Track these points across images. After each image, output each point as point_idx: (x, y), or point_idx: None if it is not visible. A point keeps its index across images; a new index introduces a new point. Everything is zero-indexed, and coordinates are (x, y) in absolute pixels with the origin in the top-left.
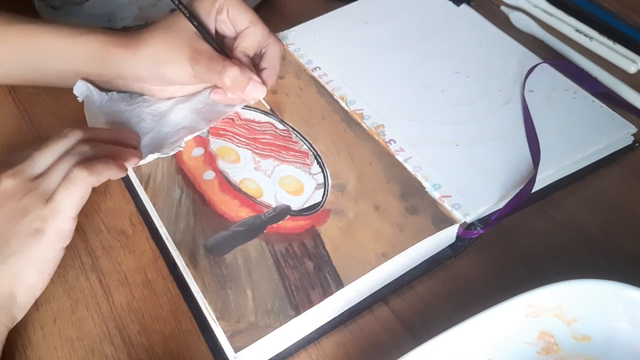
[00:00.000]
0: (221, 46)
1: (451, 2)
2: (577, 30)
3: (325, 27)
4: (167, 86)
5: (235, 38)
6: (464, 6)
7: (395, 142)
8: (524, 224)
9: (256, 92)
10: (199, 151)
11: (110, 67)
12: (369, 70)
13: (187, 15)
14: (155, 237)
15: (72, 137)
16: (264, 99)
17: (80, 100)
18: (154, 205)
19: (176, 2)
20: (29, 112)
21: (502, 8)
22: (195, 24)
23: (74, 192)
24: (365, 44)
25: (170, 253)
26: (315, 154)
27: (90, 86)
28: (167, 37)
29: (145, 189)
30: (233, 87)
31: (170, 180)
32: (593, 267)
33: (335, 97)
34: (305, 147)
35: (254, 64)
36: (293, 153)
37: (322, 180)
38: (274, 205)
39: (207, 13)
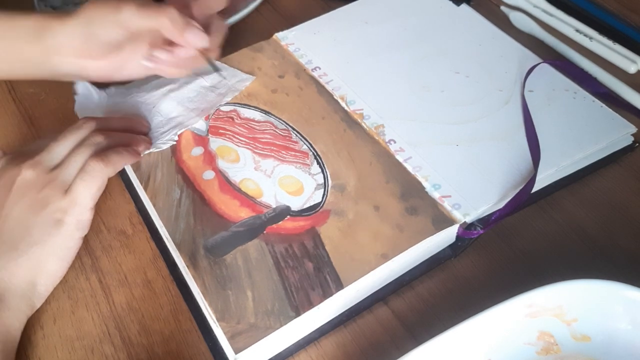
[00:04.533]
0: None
1: (451, 2)
2: (577, 30)
3: (325, 27)
4: (105, 56)
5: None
6: (463, 6)
7: (395, 142)
8: (524, 224)
9: (196, 38)
10: (198, 151)
11: (46, 42)
12: (369, 70)
13: None
14: (155, 237)
15: (86, 128)
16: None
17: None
18: (154, 205)
19: None
20: (29, 112)
21: (502, 8)
22: None
23: (91, 183)
24: (366, 44)
25: (170, 253)
26: (315, 154)
27: (89, 85)
28: (99, 2)
29: (145, 189)
30: (172, 29)
31: (170, 180)
32: (593, 267)
33: (335, 97)
34: (305, 147)
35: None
36: (293, 153)
37: (322, 181)
38: (274, 206)
39: None
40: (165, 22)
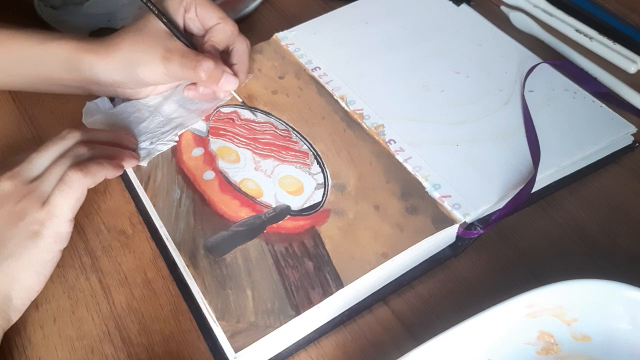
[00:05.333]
0: (191, 42)
1: (451, 2)
2: (577, 30)
3: (325, 27)
4: (142, 88)
5: (203, 36)
6: (463, 6)
7: (395, 142)
8: (524, 224)
9: (229, 84)
10: (198, 151)
11: (83, 74)
12: (369, 70)
13: (156, 12)
14: (155, 237)
15: (69, 139)
16: (235, 91)
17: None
18: (154, 206)
19: (144, 0)
20: (29, 112)
21: (502, 8)
22: (164, 20)
23: (70, 194)
24: (366, 44)
25: (170, 253)
26: (315, 154)
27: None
28: (138, 39)
29: (145, 189)
30: (208, 81)
31: (170, 180)
32: (593, 267)
33: (335, 97)
34: (305, 147)
35: (223, 60)
36: (293, 153)
37: (322, 180)
38: (274, 205)
39: (175, 11)
40: (202, 75)
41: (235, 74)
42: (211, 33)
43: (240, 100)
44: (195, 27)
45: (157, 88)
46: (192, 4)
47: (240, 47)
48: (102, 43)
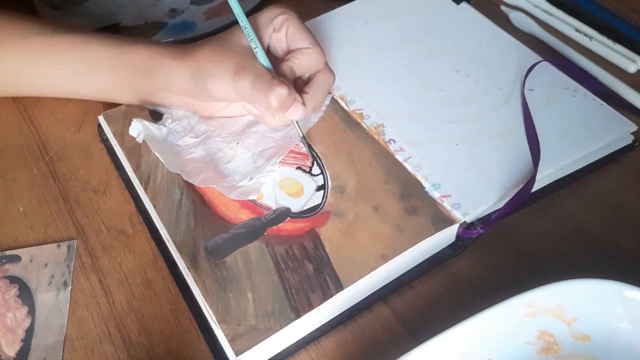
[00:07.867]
0: (271, 62)
1: (451, 1)
2: (577, 30)
3: (325, 27)
4: (211, 102)
5: (283, 58)
6: (463, 5)
7: (395, 141)
8: (524, 223)
9: (296, 114)
10: None
11: (157, 78)
12: (369, 69)
13: (241, 22)
14: (155, 237)
15: None
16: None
17: (140, 141)
18: (154, 206)
19: (234, 8)
20: (29, 112)
21: (502, 8)
22: (244, 25)
23: None
24: (365, 43)
25: (170, 253)
26: (315, 155)
27: (146, 123)
28: (215, 50)
29: (145, 190)
30: (277, 110)
31: (170, 181)
32: (593, 267)
33: (335, 96)
34: (305, 148)
35: (296, 87)
36: (293, 155)
37: (322, 182)
38: (274, 208)
39: (264, 27)
40: (273, 102)
41: (303, 104)
42: (294, 54)
43: (302, 135)
44: (280, 48)
45: (228, 108)
46: (285, 23)
47: (322, 79)
48: (181, 49)
